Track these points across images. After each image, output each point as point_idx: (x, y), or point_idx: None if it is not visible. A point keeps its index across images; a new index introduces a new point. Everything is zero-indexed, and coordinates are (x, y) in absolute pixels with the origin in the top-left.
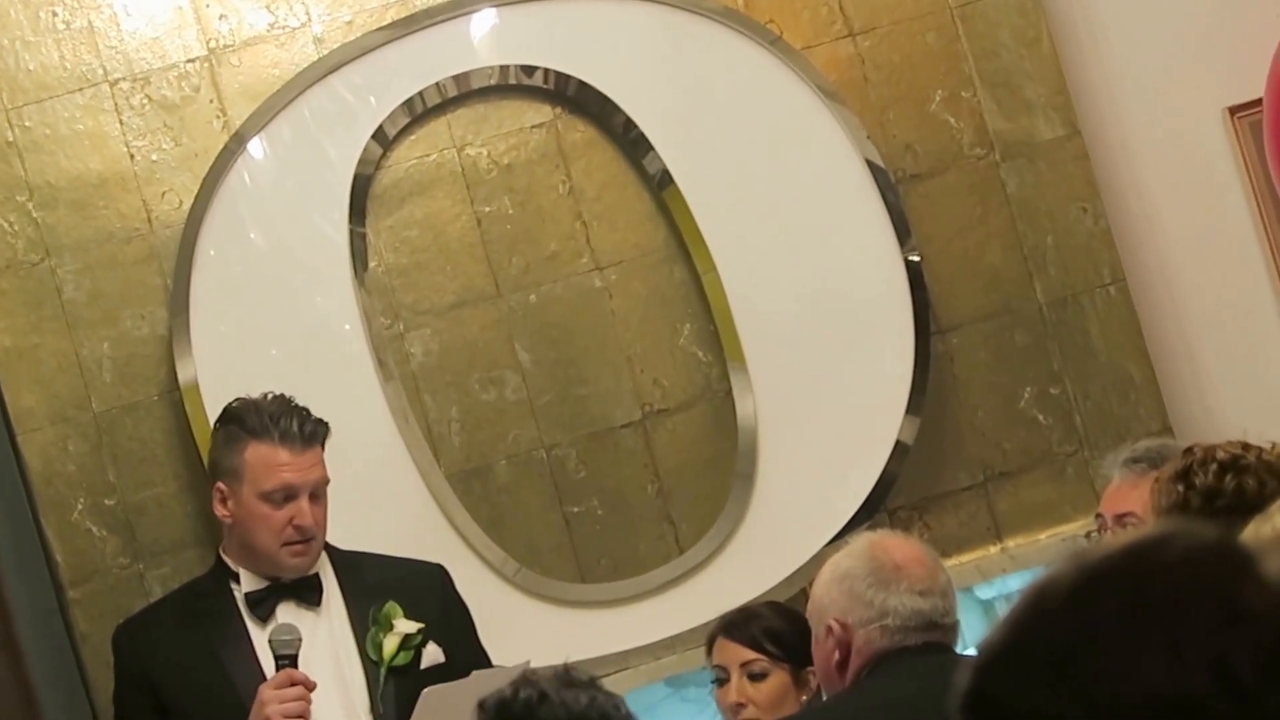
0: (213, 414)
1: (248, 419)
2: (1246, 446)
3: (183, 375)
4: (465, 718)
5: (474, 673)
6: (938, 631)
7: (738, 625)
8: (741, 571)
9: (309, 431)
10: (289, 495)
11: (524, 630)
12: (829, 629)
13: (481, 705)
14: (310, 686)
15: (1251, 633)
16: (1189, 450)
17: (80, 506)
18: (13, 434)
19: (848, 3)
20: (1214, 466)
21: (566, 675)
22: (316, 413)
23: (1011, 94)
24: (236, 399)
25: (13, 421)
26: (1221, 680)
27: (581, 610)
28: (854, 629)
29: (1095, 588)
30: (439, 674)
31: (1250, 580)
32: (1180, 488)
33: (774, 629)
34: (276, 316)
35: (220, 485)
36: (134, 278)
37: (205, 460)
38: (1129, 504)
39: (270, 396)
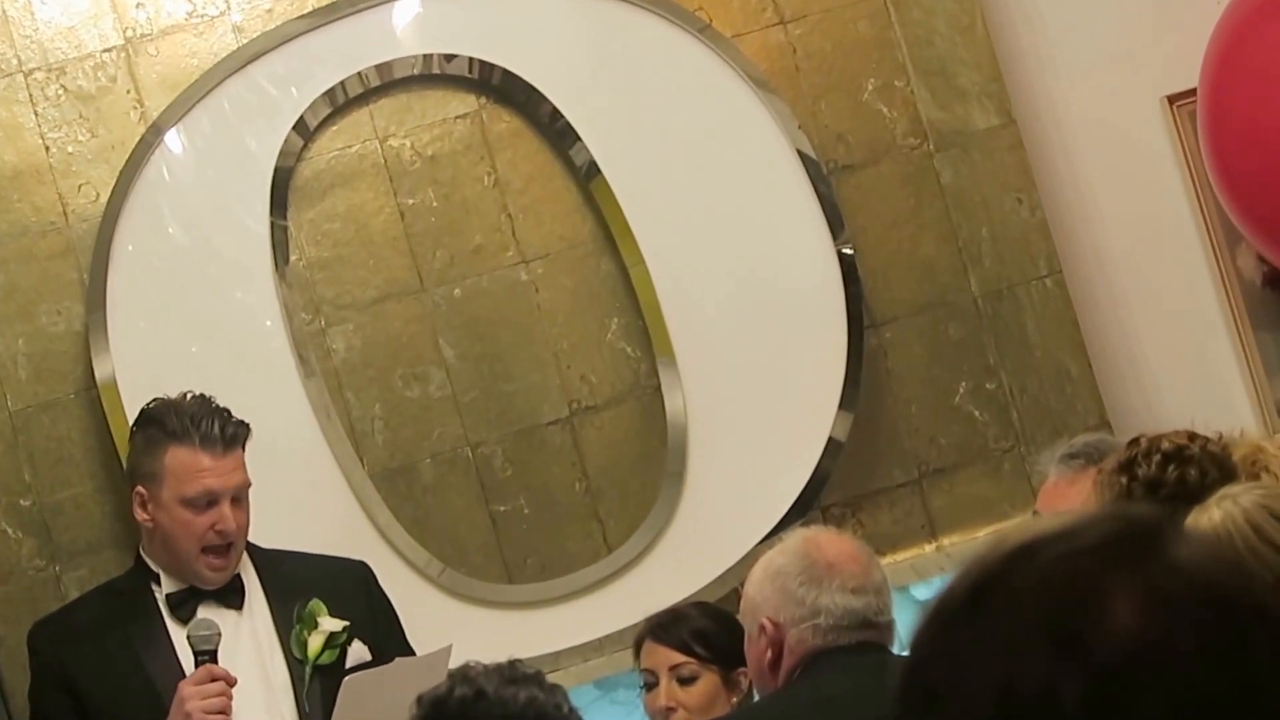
0: (131, 412)
1: (167, 421)
2: (1192, 437)
3: (100, 373)
4: (389, 704)
5: (396, 659)
6: (872, 630)
7: (665, 627)
8: (672, 571)
9: (230, 434)
10: (211, 500)
11: (449, 632)
12: (761, 627)
13: (419, 700)
14: (231, 682)
15: (1081, 667)
16: (1134, 441)
17: None
18: None
19: None
20: (1157, 457)
21: (509, 670)
22: (237, 411)
23: (946, 82)
24: (155, 400)
25: None
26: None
27: (508, 611)
28: (786, 628)
29: (972, 590)
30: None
31: (1121, 590)
32: (1123, 479)
33: (702, 630)
34: (196, 312)
35: (140, 489)
36: (50, 272)
37: (124, 461)
38: (1066, 500)
39: (190, 397)
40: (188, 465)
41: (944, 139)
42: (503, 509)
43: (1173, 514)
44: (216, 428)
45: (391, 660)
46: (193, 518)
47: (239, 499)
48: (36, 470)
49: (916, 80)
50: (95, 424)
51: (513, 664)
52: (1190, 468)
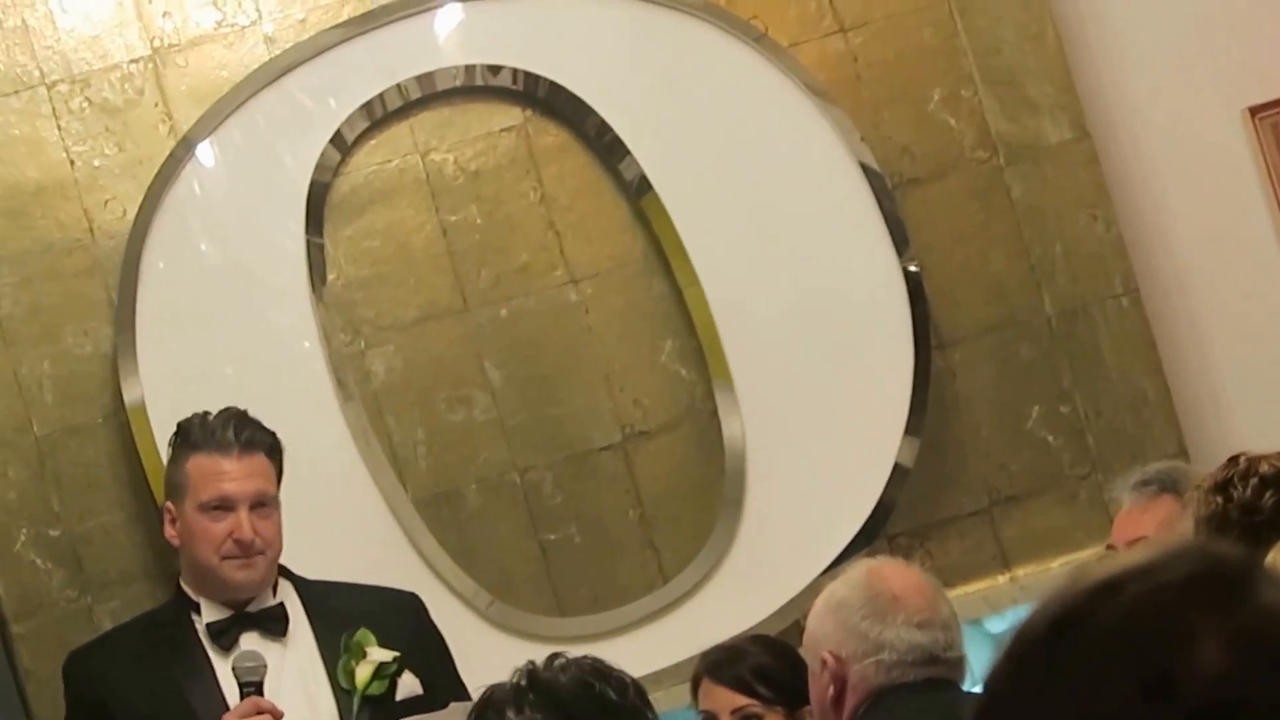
0: (161, 437)
1: (191, 432)
2: None
3: (129, 396)
4: None
5: (452, 704)
6: (940, 666)
7: (724, 666)
8: (730, 603)
9: (245, 438)
10: (226, 505)
11: (498, 667)
12: (824, 662)
13: None
14: (278, 716)
15: (1169, 710)
16: (1233, 459)
17: (23, 537)
18: None
19: None
20: (1255, 480)
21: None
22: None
23: (1015, 93)
24: (186, 417)
25: None
26: None
27: (559, 645)
28: (849, 663)
29: (1053, 625)
30: (417, 705)
31: (1209, 632)
32: (1218, 499)
33: (763, 667)
34: (229, 333)
35: (169, 505)
36: (76, 291)
37: (152, 487)
38: (1141, 529)
39: (223, 411)
40: (204, 470)
41: (1014, 152)
42: (552, 538)
43: (1257, 555)
44: (231, 432)
45: (444, 695)
46: (210, 525)
47: (262, 507)
48: (65, 498)
49: (984, 90)
50: (124, 449)
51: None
52: None
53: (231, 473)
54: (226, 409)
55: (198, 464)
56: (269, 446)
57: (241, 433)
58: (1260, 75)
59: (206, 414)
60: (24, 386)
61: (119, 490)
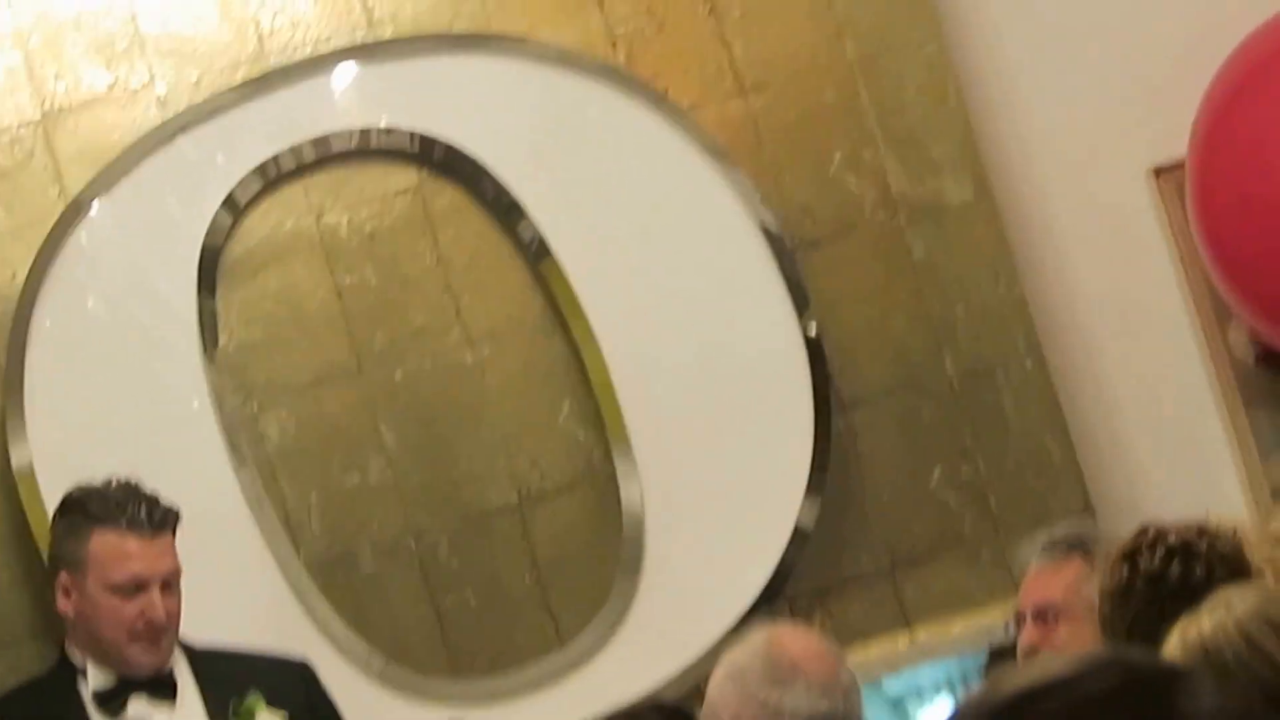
0: (50, 500)
1: (91, 505)
2: (1202, 531)
3: (17, 459)
4: None
5: None
6: None
7: None
8: (628, 666)
9: (159, 518)
10: (139, 586)
11: None
12: None
13: None
14: None
15: None
16: (1143, 529)
17: None
18: None
19: (739, 58)
20: (1162, 550)
21: None
22: (165, 498)
23: (917, 153)
24: (78, 485)
25: None
26: None
27: (455, 706)
28: None
29: None
30: None
31: None
32: (1124, 569)
33: None
34: (120, 396)
35: (63, 577)
36: None
37: (41, 550)
38: (1049, 591)
39: (115, 482)
40: (114, 550)
41: (916, 212)
42: (448, 601)
43: (1178, 664)
44: (144, 511)
45: None
46: (120, 604)
47: (169, 585)
48: None
49: (886, 151)
50: (12, 513)
51: None
52: (1196, 564)
53: (142, 553)
54: (124, 482)
55: (104, 541)
56: (175, 524)
57: (153, 513)
58: (1164, 135)
59: (102, 485)
60: None
61: (5, 553)
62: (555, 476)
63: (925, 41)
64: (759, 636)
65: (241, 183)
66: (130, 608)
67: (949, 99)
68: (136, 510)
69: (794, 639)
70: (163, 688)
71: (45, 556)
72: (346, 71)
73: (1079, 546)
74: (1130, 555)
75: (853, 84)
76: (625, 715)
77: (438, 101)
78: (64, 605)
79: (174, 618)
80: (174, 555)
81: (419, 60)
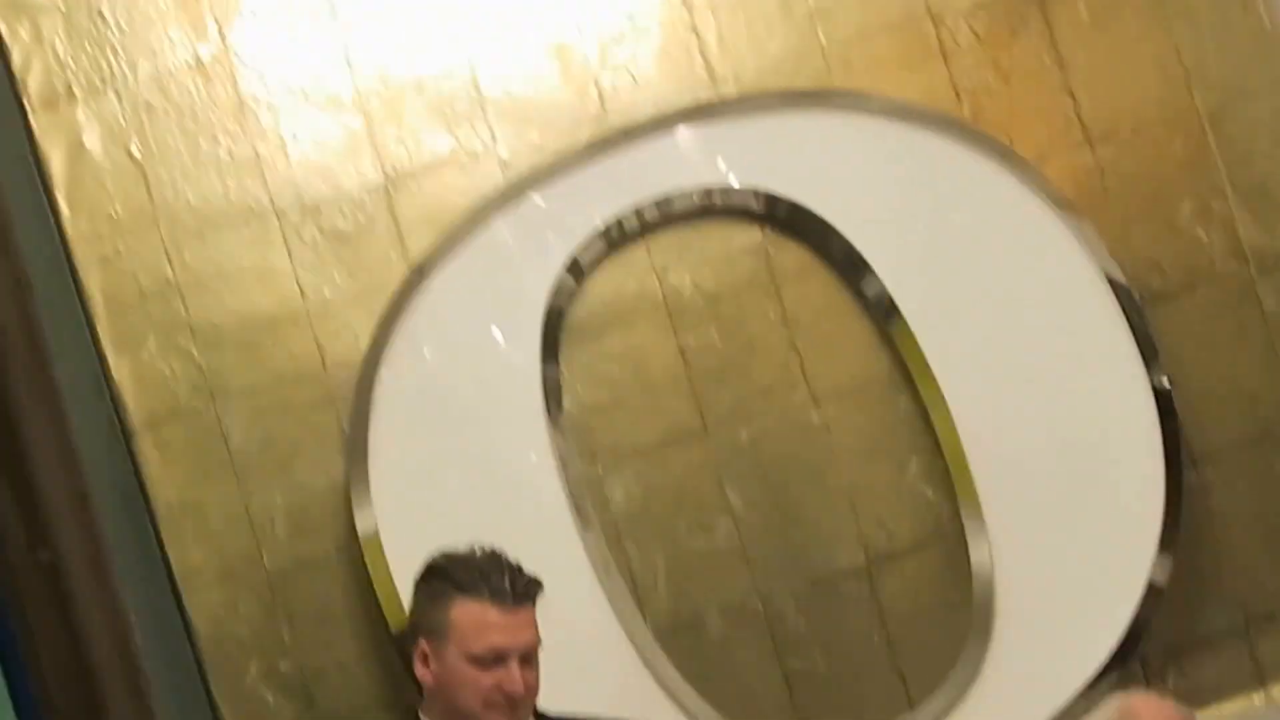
0: (396, 568)
1: (455, 573)
2: None
3: (362, 526)
4: None
5: None
6: None
7: None
8: None
9: (521, 590)
10: (498, 658)
11: None
12: None
13: None
14: None
15: None
16: None
17: (253, 671)
18: (179, 594)
19: (1085, 109)
20: None
21: None
22: (528, 570)
23: (1268, 203)
24: (442, 552)
25: (178, 581)
26: None
27: None
28: None
29: None
30: None
31: None
32: None
33: None
34: (463, 461)
35: (422, 644)
36: (308, 423)
37: (388, 619)
38: None
39: (480, 550)
40: (476, 620)
41: (1267, 263)
42: (796, 665)
43: None
44: (508, 581)
45: None
46: (478, 675)
47: (528, 659)
48: (296, 632)
49: (1235, 202)
50: (357, 582)
51: None
52: None
53: (505, 625)
54: (489, 551)
55: (466, 610)
56: (536, 596)
57: (516, 583)
58: None
59: (466, 553)
60: (255, 520)
61: (352, 623)
62: (903, 536)
63: (1276, 90)
64: (1112, 706)
65: (585, 245)
66: (488, 679)
67: None
68: (500, 580)
69: (1147, 708)
70: None
71: (390, 625)
72: (688, 131)
73: None
74: None
75: (1201, 134)
76: None
77: (781, 159)
78: (422, 673)
79: (532, 691)
80: (534, 628)
81: (761, 117)
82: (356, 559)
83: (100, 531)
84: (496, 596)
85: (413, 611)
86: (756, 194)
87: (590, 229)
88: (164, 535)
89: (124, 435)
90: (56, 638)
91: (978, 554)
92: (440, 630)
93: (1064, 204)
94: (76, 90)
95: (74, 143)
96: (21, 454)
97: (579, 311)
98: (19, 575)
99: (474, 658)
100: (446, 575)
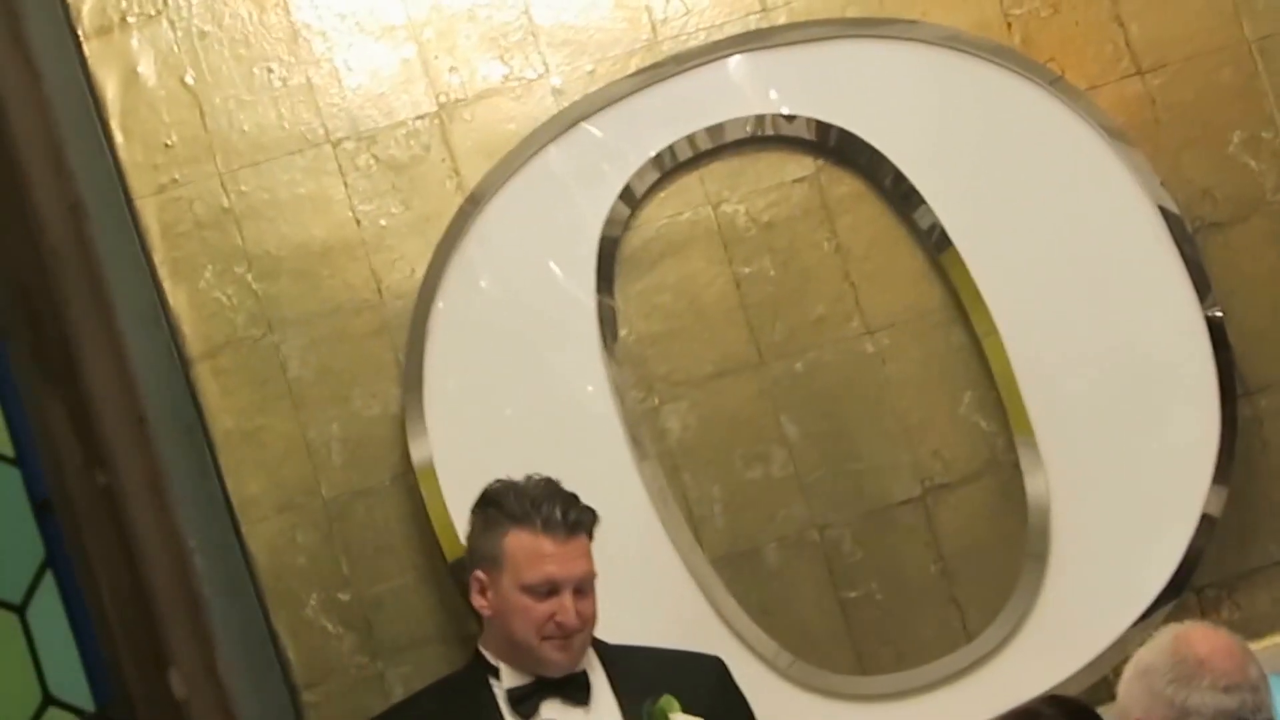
0: (451, 497)
1: (508, 503)
2: None
3: (417, 457)
4: None
5: None
6: None
7: None
8: (1035, 660)
9: (574, 520)
10: (552, 589)
11: None
12: None
13: None
14: None
15: None
16: None
17: (313, 601)
18: (237, 524)
19: (1135, 38)
20: None
21: None
22: (582, 501)
23: None
24: (497, 480)
25: (237, 511)
26: None
27: (862, 705)
28: None
29: None
30: None
31: None
32: None
33: None
34: (519, 392)
35: (478, 574)
36: (364, 352)
37: (443, 548)
38: None
39: (534, 479)
40: (529, 550)
41: None
42: (853, 595)
43: None
44: (559, 512)
45: None
46: (532, 604)
47: (583, 589)
48: (354, 562)
49: None
50: (414, 511)
51: None
52: None
53: (557, 555)
54: (542, 480)
55: (519, 541)
56: (591, 527)
57: (569, 514)
58: None
59: (518, 483)
60: (312, 450)
61: (409, 552)
62: (959, 467)
63: None
64: (1166, 634)
65: (638, 173)
66: (542, 609)
67: None
68: (553, 510)
69: (1201, 636)
70: (576, 689)
71: (446, 554)
72: (741, 59)
73: None
74: None
75: (1251, 63)
76: (1025, 713)
77: (832, 87)
78: (479, 603)
79: (587, 621)
80: (588, 559)
81: (812, 46)
82: (413, 488)
83: (157, 455)
84: (549, 527)
85: (469, 541)
86: (809, 122)
87: (643, 157)
88: (222, 465)
89: (182, 364)
90: (114, 560)
91: (1033, 485)
92: (495, 560)
93: (1115, 133)
94: (130, 18)
95: (128, 71)
96: (77, 374)
97: (633, 241)
98: (76, 497)
99: (528, 588)
100: (500, 505)
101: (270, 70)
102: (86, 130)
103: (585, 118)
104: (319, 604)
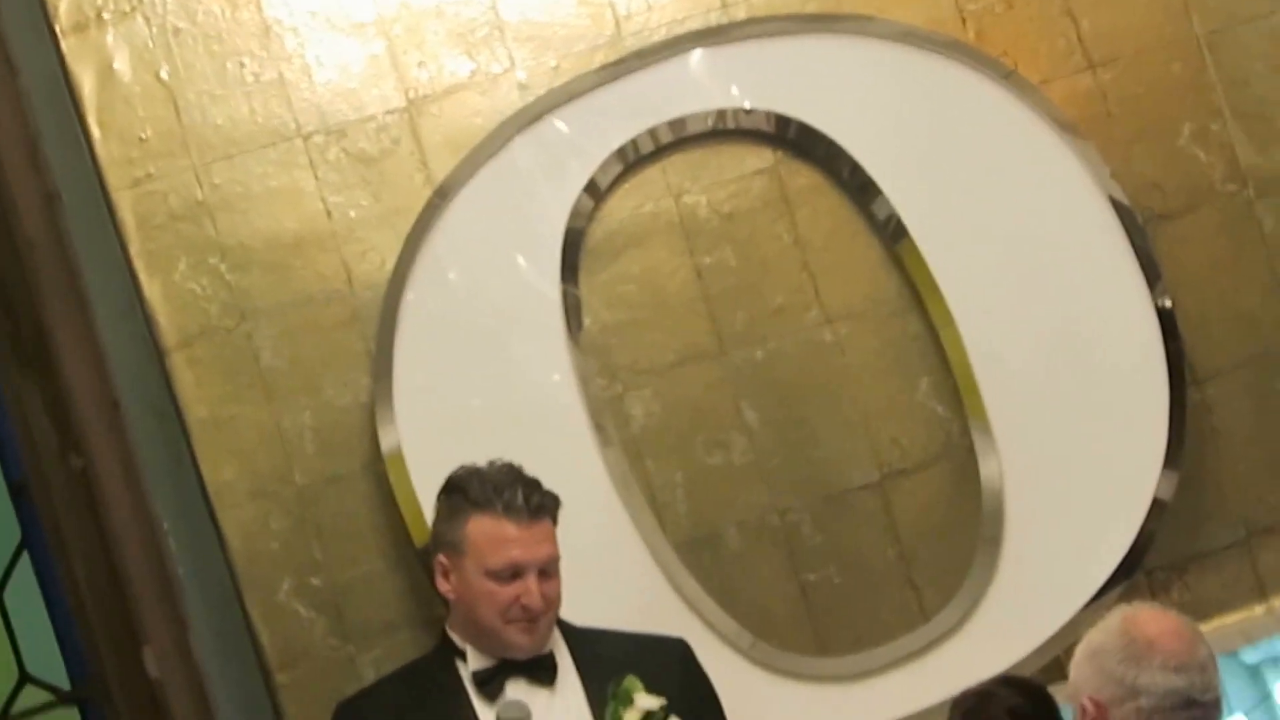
0: (419, 484)
1: (471, 489)
2: None
3: (386, 444)
4: None
5: None
6: (1197, 709)
7: (975, 713)
8: (991, 640)
9: (536, 504)
10: (515, 573)
11: (761, 707)
12: (1084, 709)
13: None
14: None
15: None
16: None
17: (285, 586)
18: (212, 510)
19: (1087, 32)
20: None
21: None
22: (545, 485)
23: (1265, 125)
24: (461, 467)
25: (211, 497)
26: None
27: (822, 685)
28: (1109, 708)
29: None
30: None
31: None
32: None
33: (1014, 709)
34: (486, 380)
35: (441, 559)
36: (335, 342)
37: (412, 534)
38: None
39: (496, 464)
40: (491, 535)
41: (1265, 184)
42: (812, 578)
43: None
44: (521, 497)
45: None
46: (496, 589)
47: (547, 572)
48: (326, 547)
49: (1234, 123)
50: (383, 498)
51: None
52: None
53: (521, 539)
54: (504, 466)
55: (481, 526)
56: (554, 510)
57: (531, 498)
58: None
59: (481, 469)
60: (286, 437)
61: (379, 538)
62: (915, 453)
63: (1272, 13)
64: (1116, 615)
65: (602, 166)
66: (506, 593)
67: None
68: (514, 495)
69: (1150, 617)
70: (542, 670)
71: (414, 540)
72: (702, 54)
73: None
74: None
75: (1200, 57)
76: (975, 699)
77: (791, 81)
78: (444, 586)
79: (551, 603)
80: (552, 542)
81: (772, 41)
82: (383, 476)
83: (131, 440)
84: (511, 511)
85: (433, 526)
86: (769, 115)
87: (607, 150)
88: (197, 451)
89: (158, 354)
90: (89, 542)
91: (987, 469)
92: (458, 545)
93: (1067, 126)
94: (106, 15)
95: (104, 66)
96: (52, 361)
97: (597, 233)
98: (52, 480)
99: (491, 572)
100: (463, 491)
101: (243, 65)
102: (64, 124)
103: (550, 111)
104: (291, 588)
